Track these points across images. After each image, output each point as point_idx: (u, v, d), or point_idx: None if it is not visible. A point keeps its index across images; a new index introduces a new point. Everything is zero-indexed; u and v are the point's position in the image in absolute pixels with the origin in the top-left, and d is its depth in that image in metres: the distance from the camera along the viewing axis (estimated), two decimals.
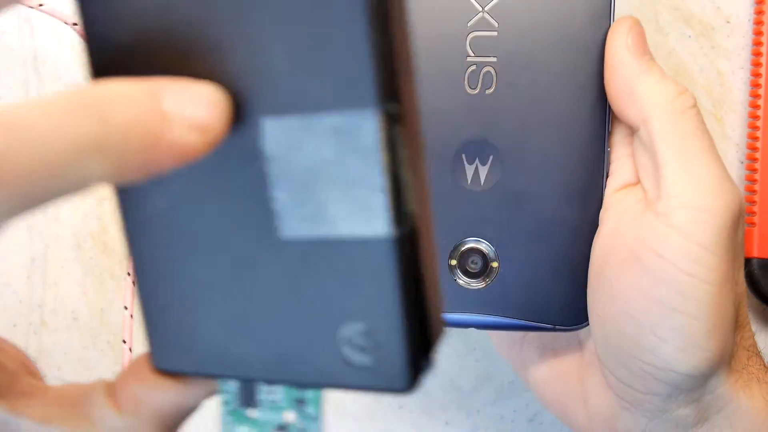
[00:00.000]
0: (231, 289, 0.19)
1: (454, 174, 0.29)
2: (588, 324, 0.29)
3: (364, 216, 0.17)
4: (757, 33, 0.38)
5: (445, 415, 0.40)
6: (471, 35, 0.29)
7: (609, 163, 0.29)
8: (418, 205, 0.18)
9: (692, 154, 0.27)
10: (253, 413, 0.21)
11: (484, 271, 0.29)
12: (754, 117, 0.38)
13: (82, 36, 0.18)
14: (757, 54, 0.38)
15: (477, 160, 0.29)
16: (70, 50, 0.39)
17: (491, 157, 0.29)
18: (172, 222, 0.19)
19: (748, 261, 0.38)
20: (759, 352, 0.30)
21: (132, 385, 0.20)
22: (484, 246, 0.29)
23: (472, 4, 0.29)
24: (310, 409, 0.21)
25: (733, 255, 0.27)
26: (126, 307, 0.34)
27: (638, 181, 0.29)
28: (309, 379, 0.19)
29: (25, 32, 0.39)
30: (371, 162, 0.17)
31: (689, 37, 0.38)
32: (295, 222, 0.18)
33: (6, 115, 0.14)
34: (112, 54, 0.18)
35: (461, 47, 0.29)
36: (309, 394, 0.21)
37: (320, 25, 0.16)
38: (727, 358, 0.28)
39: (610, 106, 0.29)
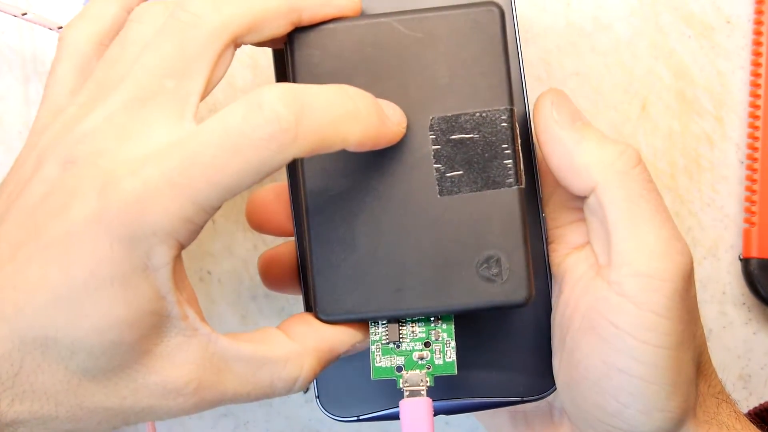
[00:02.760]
0: (391, 246, 0.27)
1: None
2: (554, 389, 0.30)
3: (499, 176, 0.26)
4: (757, 33, 0.38)
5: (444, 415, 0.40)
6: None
7: (546, 229, 0.30)
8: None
9: (641, 217, 0.27)
10: (398, 347, 0.28)
11: None
12: (754, 117, 0.38)
13: (290, 73, 0.27)
14: (757, 54, 0.38)
15: None
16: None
17: None
18: (347, 198, 0.27)
19: (748, 261, 0.38)
20: (729, 398, 0.30)
21: (300, 326, 0.27)
22: None
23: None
24: (444, 335, 0.28)
25: (688, 314, 0.27)
26: None
27: (586, 243, 0.29)
28: (450, 304, 0.26)
29: (25, 32, 0.39)
30: (504, 140, 0.26)
31: (689, 37, 0.38)
32: (449, 185, 0.26)
33: (299, 89, 0.23)
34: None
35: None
36: (442, 324, 0.27)
37: (469, 58, 0.27)
38: (691, 411, 0.28)
39: (538, 174, 0.29)
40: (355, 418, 0.30)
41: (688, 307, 0.27)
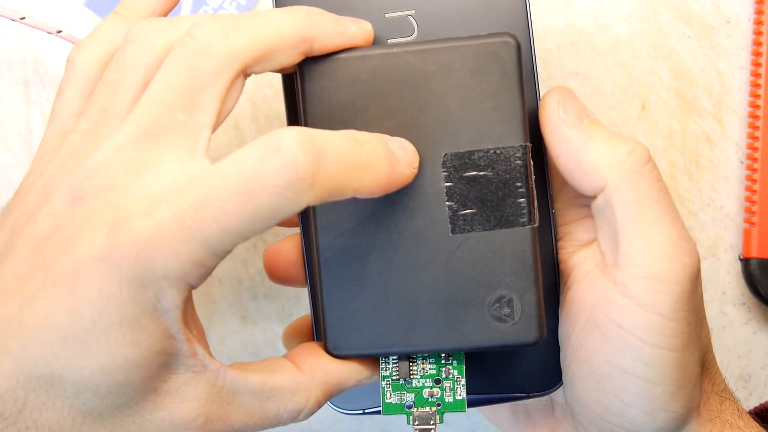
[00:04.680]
0: (402, 283, 0.26)
1: None
2: (559, 385, 0.30)
3: (512, 215, 0.26)
4: (757, 33, 0.38)
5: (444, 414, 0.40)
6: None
7: (556, 225, 0.29)
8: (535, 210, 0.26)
9: (650, 218, 0.26)
10: (408, 383, 0.28)
11: None
12: (754, 117, 0.38)
13: (301, 108, 0.27)
14: (757, 54, 0.38)
15: None
16: (70, 50, 0.39)
17: None
18: (358, 234, 0.27)
19: (748, 261, 0.38)
20: (732, 396, 0.30)
21: (310, 357, 0.27)
22: None
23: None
24: (454, 373, 0.28)
25: (694, 315, 0.27)
26: None
27: (593, 240, 0.29)
28: (461, 343, 0.26)
29: (25, 32, 0.39)
30: (518, 178, 0.26)
31: (689, 37, 0.38)
32: (461, 223, 0.26)
33: (316, 134, 0.22)
34: (328, 120, 0.26)
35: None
36: (453, 361, 0.28)
37: (483, 92, 0.26)
38: (695, 411, 0.28)
39: (548, 171, 0.29)
40: (361, 412, 0.30)
41: (695, 308, 0.27)
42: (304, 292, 0.40)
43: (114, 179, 0.23)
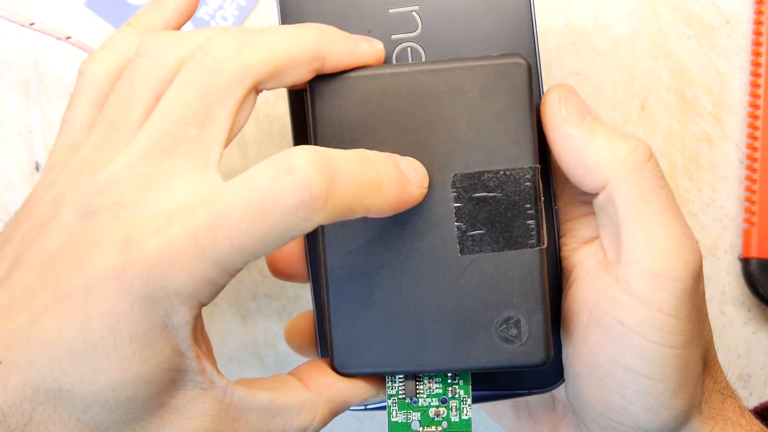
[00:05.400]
0: (410, 302, 0.27)
1: None
2: (561, 382, 0.30)
3: (521, 236, 0.26)
4: (757, 33, 0.38)
5: None
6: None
7: (559, 222, 0.29)
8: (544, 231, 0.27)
9: (651, 215, 0.26)
10: (414, 402, 0.28)
11: None
12: (754, 117, 0.38)
13: (311, 125, 0.27)
14: (757, 54, 0.38)
15: None
16: (70, 51, 0.39)
17: None
18: (367, 252, 0.27)
19: (747, 261, 0.38)
20: (734, 394, 0.30)
21: (317, 375, 0.27)
22: None
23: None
24: (461, 392, 0.28)
25: (697, 312, 0.27)
26: None
27: (595, 237, 0.29)
28: (468, 363, 0.27)
29: (25, 32, 0.39)
30: (527, 200, 0.26)
31: (689, 37, 0.38)
32: (470, 244, 0.26)
33: (329, 154, 0.22)
34: (338, 139, 0.27)
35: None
36: (459, 381, 0.28)
37: (494, 113, 0.26)
38: (697, 408, 0.28)
39: (552, 168, 0.29)
40: (363, 408, 0.30)
41: (697, 305, 0.27)
42: (304, 292, 0.40)
43: (125, 195, 0.23)
